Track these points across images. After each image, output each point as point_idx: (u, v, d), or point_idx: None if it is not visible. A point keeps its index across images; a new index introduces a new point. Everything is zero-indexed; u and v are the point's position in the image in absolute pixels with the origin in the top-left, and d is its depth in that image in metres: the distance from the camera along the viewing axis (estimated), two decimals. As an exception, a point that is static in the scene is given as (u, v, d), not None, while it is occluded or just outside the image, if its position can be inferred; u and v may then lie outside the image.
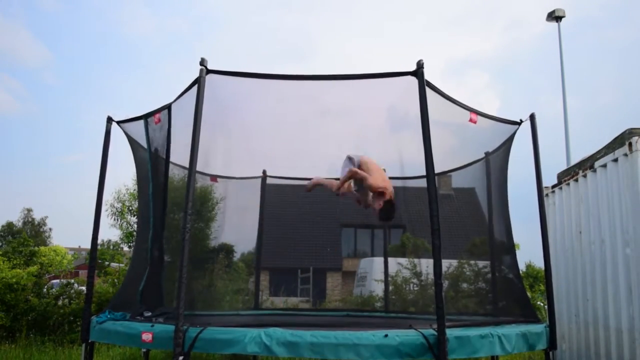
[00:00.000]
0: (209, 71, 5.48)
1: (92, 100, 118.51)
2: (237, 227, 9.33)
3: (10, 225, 59.63)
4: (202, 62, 5.46)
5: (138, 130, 7.02)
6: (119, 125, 7.05)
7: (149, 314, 6.07)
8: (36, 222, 65.94)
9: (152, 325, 5.34)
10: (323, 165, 7.87)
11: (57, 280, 15.10)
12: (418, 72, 5.31)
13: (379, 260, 13.65)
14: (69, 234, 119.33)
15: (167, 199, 6.92)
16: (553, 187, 8.83)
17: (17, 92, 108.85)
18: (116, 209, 21.84)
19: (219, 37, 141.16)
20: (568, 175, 8.40)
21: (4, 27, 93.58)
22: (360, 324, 6.76)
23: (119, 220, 21.91)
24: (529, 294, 10.92)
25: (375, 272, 17.04)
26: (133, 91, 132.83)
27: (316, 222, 23.97)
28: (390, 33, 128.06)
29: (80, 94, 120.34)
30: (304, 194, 7.51)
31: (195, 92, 5.43)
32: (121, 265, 20.38)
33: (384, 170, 6.97)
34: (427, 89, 5.33)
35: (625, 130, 6.90)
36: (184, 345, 4.84)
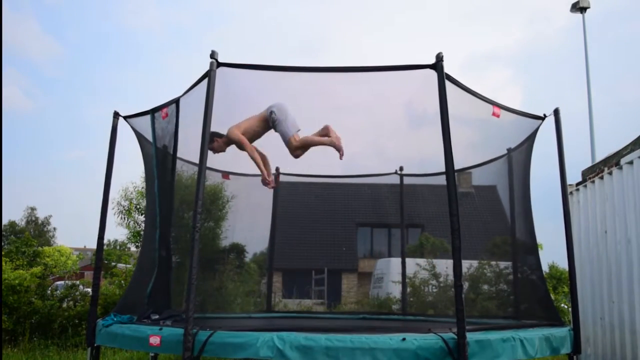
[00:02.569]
0: (219, 64, 5.35)
1: (95, 95, 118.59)
2: (248, 226, 9.23)
3: (12, 224, 59.43)
4: (213, 55, 5.34)
5: (145, 125, 6.90)
6: (126, 121, 6.94)
7: (157, 316, 5.95)
8: (40, 222, 65.93)
9: (160, 329, 5.24)
10: (338, 161, 7.73)
11: (62, 282, 14.99)
12: (437, 65, 5.17)
13: (396, 261, 13.47)
14: (74, 233, 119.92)
15: (174, 196, 6.79)
16: (577, 184, 8.69)
17: (21, 86, 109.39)
18: (123, 207, 21.57)
19: (227, 31, 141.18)
20: (593, 172, 8.26)
21: (10, 20, 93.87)
22: (377, 328, 6.63)
23: (126, 219, 21.68)
24: (552, 295, 10.71)
25: (392, 273, 16.88)
26: (139, 85, 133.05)
27: (331, 221, 23.90)
28: (407, 27, 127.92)
29: (82, 87, 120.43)
30: (319, 192, 7.35)
31: (205, 85, 5.31)
32: (128, 266, 20.36)
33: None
34: (447, 83, 5.21)
35: (653, 126, 6.72)
36: (194, 349, 4.73)
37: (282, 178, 9.74)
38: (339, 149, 6.36)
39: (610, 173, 7.59)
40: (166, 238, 6.74)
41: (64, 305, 11.73)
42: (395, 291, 14.08)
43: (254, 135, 6.71)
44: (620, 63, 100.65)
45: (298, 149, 6.50)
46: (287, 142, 6.44)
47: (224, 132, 6.49)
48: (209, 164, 5.33)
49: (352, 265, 28.66)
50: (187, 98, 6.14)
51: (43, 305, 11.33)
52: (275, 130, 6.55)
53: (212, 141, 6.48)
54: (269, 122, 6.52)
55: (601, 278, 7.84)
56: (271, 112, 6.43)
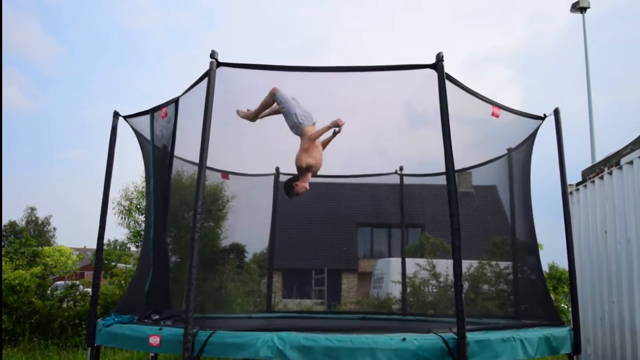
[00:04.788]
0: (219, 64, 5.35)
1: (95, 95, 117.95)
2: (248, 226, 9.22)
3: (12, 224, 59.05)
4: (213, 55, 5.34)
5: (145, 125, 6.90)
6: (126, 120, 6.94)
7: (157, 316, 5.95)
8: (40, 222, 65.43)
9: (160, 329, 5.24)
10: (337, 161, 7.72)
11: (62, 282, 14.96)
12: (438, 65, 5.18)
13: (396, 261, 13.46)
14: (74, 233, 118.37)
15: (172, 196, 6.79)
16: (577, 184, 8.66)
17: (21, 86, 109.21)
18: (123, 207, 21.52)
19: (227, 31, 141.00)
20: (593, 172, 8.23)
21: (11, 20, 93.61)
22: (377, 328, 6.62)
23: (127, 218, 21.64)
24: (552, 296, 10.72)
25: (392, 273, 16.84)
26: (139, 85, 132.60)
27: (331, 221, 23.88)
28: (407, 27, 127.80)
29: (82, 87, 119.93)
30: (319, 191, 7.32)
31: (204, 85, 5.31)
32: (128, 266, 20.29)
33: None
34: (448, 83, 5.23)
35: (653, 126, 6.72)
36: (194, 349, 4.73)
37: (282, 178, 9.74)
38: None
39: (610, 173, 7.57)
40: (162, 238, 6.73)
41: (64, 305, 11.71)
42: (395, 291, 14.04)
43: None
44: (620, 63, 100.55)
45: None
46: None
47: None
48: (209, 164, 5.32)
49: (352, 265, 28.59)
50: (187, 98, 6.14)
51: (43, 305, 11.31)
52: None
53: (292, 187, 6.56)
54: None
55: (601, 278, 7.81)
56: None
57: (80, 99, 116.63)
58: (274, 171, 9.67)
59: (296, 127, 6.27)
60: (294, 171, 9.19)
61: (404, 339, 4.60)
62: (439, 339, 4.63)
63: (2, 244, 39.32)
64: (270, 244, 10.06)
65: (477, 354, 4.71)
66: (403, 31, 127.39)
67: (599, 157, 9.71)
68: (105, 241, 6.84)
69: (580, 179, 8.83)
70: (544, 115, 6.78)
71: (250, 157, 8.07)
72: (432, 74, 5.16)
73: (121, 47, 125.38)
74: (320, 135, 6.23)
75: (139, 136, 7.18)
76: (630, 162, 7.05)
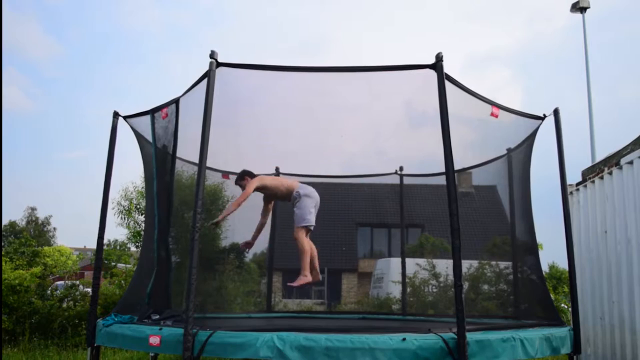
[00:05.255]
0: (219, 64, 5.34)
1: (95, 95, 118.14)
2: (248, 226, 9.17)
3: (12, 224, 59.13)
4: (212, 55, 5.32)
5: (145, 125, 6.89)
6: (126, 121, 6.93)
7: (157, 316, 5.94)
8: (40, 222, 65.59)
9: (160, 329, 5.23)
10: (337, 161, 7.72)
11: (62, 282, 15.00)
12: (437, 65, 5.17)
13: (396, 261, 13.45)
14: (74, 233, 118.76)
15: (173, 196, 6.79)
16: (577, 185, 8.65)
17: (21, 86, 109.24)
18: (123, 207, 21.56)
19: (227, 31, 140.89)
20: (593, 172, 8.22)
21: (11, 20, 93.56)
22: (377, 328, 6.61)
23: (126, 219, 21.68)
24: (552, 295, 10.73)
25: (392, 273, 16.85)
26: (139, 85, 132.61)
27: (331, 221, 23.84)
28: (407, 27, 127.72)
29: (82, 87, 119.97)
30: (319, 192, 7.37)
31: (204, 85, 5.30)
32: (128, 266, 20.33)
33: None
34: (447, 83, 5.22)
35: (653, 126, 6.71)
36: (194, 349, 4.72)
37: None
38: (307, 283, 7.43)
39: (610, 173, 7.56)
40: (165, 238, 6.73)
41: (64, 305, 11.73)
42: (395, 291, 14.05)
43: (273, 195, 7.43)
44: (620, 63, 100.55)
45: (295, 239, 7.17)
46: (295, 225, 7.05)
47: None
48: (209, 164, 5.32)
49: (352, 265, 28.58)
50: (187, 98, 6.12)
51: (43, 305, 11.32)
52: (292, 207, 7.15)
53: (243, 179, 7.21)
54: (291, 196, 7.15)
55: (601, 278, 7.80)
56: (298, 194, 7.08)
57: (80, 99, 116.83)
58: (273, 171, 9.67)
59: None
60: (294, 171, 9.25)
61: (404, 339, 4.59)
62: (439, 339, 4.62)
63: (2, 244, 39.16)
64: (270, 244, 10.06)
65: (477, 354, 4.69)
66: (403, 31, 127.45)
67: (599, 157, 9.69)
68: (105, 241, 6.84)
69: (580, 179, 8.82)
70: (544, 115, 6.79)
71: (250, 157, 8.06)
72: (432, 74, 5.15)
73: (121, 47, 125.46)
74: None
75: (139, 137, 7.17)
76: (630, 162, 7.04)
